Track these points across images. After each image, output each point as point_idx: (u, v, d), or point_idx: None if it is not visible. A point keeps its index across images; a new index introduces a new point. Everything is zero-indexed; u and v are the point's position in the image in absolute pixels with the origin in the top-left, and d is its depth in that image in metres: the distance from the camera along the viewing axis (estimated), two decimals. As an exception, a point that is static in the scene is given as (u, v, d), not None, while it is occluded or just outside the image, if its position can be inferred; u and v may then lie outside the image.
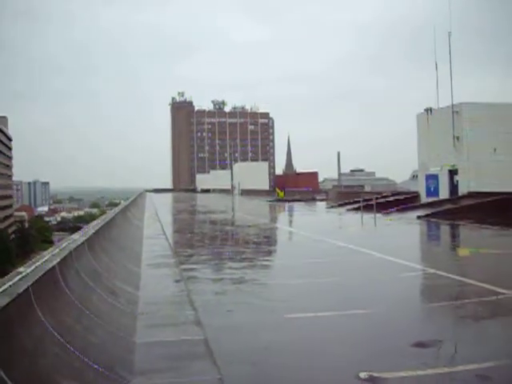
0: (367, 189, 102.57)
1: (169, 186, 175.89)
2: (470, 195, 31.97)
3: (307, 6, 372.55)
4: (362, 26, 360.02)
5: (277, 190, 67.66)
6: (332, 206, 40.64)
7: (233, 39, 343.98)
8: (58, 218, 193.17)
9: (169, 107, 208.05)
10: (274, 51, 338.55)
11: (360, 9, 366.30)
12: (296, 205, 48.17)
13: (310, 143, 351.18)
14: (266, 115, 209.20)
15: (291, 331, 7.17)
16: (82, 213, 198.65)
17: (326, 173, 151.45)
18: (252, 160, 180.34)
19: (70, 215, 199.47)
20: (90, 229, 11.26)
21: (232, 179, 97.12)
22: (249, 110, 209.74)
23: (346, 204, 38.71)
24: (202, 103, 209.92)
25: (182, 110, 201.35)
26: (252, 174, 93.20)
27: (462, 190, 33.52)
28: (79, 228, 16.84)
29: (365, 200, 33.34)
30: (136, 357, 6.01)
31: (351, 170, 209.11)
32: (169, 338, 6.76)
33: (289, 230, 25.64)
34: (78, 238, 9.34)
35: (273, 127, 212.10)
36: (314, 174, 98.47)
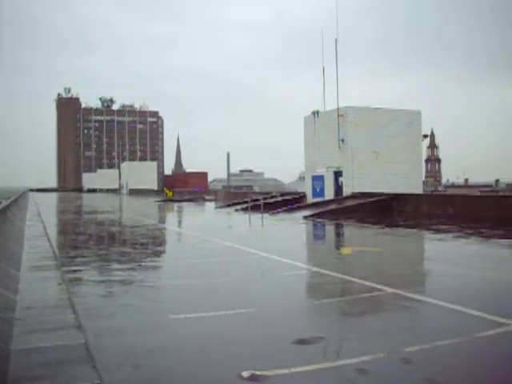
0: (256, 189, 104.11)
1: (54, 185, 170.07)
2: (354, 196, 33.22)
3: (200, 4, 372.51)
4: (253, 27, 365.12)
5: (165, 189, 67.05)
6: (221, 206, 40.82)
7: (120, 35, 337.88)
8: None
9: (54, 103, 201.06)
10: (163, 49, 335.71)
11: (252, 10, 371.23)
12: (185, 205, 48.04)
13: (200, 143, 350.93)
14: (155, 114, 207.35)
15: (176, 332, 7.11)
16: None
17: (216, 173, 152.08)
18: (141, 159, 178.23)
19: None
20: (-36, 230, 10.65)
21: (120, 179, 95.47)
22: (138, 109, 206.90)
23: (235, 204, 39.01)
24: (90, 100, 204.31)
25: (68, 107, 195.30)
26: (140, 174, 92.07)
27: (346, 190, 34.75)
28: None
29: (253, 200, 33.75)
30: (11, 365, 5.72)
31: (240, 171, 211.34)
32: (47, 343, 6.49)
33: (177, 230, 25.50)
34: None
35: (162, 126, 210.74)
36: (204, 174, 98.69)
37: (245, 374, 5.37)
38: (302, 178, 63.24)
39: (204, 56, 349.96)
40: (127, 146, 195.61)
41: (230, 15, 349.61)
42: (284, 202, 35.97)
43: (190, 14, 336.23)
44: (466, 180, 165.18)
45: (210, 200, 54.33)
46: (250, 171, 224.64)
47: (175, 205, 49.02)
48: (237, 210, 35.08)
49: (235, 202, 40.50)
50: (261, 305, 8.56)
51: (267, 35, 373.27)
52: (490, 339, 6.53)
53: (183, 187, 77.83)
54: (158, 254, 16.63)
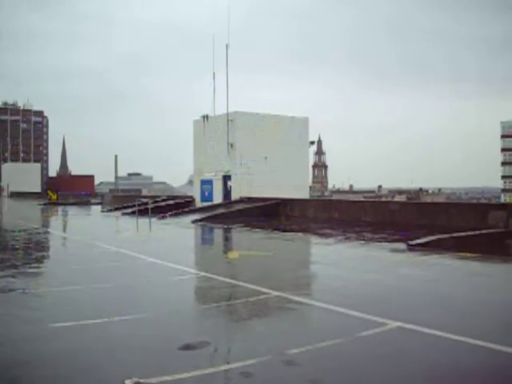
0: (144, 192, 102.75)
1: None
2: (242, 200, 33.55)
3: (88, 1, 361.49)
4: (144, 27, 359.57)
5: (49, 192, 64.78)
6: (107, 210, 39.98)
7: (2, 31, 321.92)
8: None
9: None
10: (48, 46, 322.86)
11: (144, 8, 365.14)
12: (70, 208, 46.68)
13: (87, 145, 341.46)
14: (40, 113, 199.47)
15: (56, 342, 6.83)
16: None
17: (103, 176, 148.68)
18: (24, 161, 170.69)
19: None
20: None
21: (0, 180, 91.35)
22: (21, 108, 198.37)
23: (122, 208, 38.35)
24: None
25: None
26: (23, 176, 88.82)
27: (235, 195, 35.00)
28: None
29: (141, 204, 33.31)
30: None
31: (129, 174, 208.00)
32: None
33: (60, 234, 24.65)
34: None
35: (47, 126, 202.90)
36: (90, 177, 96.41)
37: (128, 382, 5.23)
38: (191, 182, 63.15)
39: (92, 54, 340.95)
40: (9, 147, 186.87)
41: (121, 13, 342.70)
42: (172, 205, 35.73)
43: (76, 10, 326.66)
44: (351, 186, 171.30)
45: (96, 204, 53.11)
46: (139, 174, 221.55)
47: (59, 208, 47.48)
48: (124, 214, 34.48)
49: (122, 205, 39.78)
50: (147, 311, 8.42)
51: (159, 36, 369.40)
52: (371, 338, 6.77)
53: (69, 190, 75.60)
54: (39, 259, 15.97)
